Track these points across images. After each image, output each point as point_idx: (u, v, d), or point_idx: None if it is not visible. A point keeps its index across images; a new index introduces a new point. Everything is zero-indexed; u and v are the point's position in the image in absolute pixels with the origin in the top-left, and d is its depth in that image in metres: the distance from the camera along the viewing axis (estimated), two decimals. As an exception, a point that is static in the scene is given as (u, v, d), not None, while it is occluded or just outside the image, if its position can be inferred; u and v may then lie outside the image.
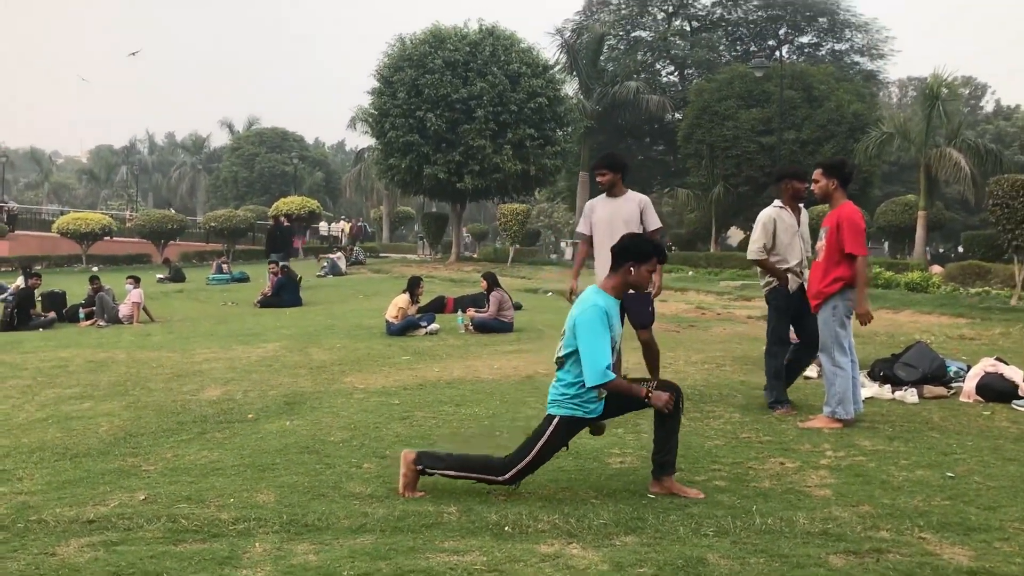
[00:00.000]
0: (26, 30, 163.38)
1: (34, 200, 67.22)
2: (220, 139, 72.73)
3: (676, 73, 44.92)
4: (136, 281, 15.75)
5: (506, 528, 3.91)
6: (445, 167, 27.60)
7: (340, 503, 4.36)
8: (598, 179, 6.91)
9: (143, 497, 4.54)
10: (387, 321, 11.95)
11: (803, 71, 34.19)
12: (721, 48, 44.56)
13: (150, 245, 34.92)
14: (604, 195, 6.94)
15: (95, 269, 27.73)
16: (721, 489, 4.56)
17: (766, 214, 6.63)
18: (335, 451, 5.49)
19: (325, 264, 26.48)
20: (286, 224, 24.82)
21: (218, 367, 9.32)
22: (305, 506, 4.30)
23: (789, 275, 6.56)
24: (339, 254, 27.94)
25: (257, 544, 3.74)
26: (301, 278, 18.95)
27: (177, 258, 31.39)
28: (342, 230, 42.50)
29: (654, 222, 6.81)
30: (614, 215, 6.77)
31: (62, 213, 38.68)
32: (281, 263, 19.06)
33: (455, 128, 27.38)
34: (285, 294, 17.60)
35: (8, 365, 9.95)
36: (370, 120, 30.05)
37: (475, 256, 35.86)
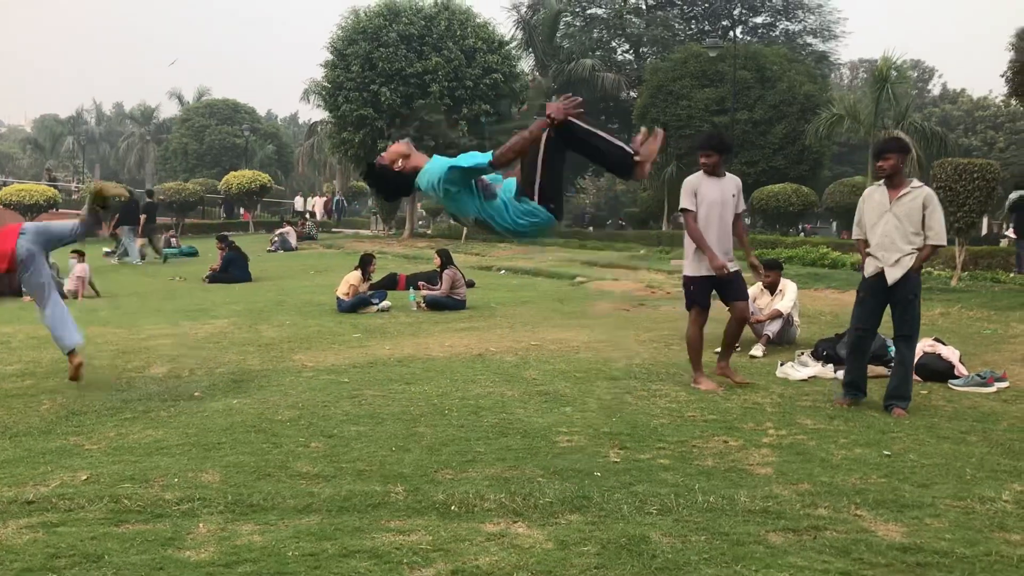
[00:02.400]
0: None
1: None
2: (170, 110, 71.24)
3: (631, 51, 45.00)
4: (81, 255, 15.40)
5: (452, 507, 3.94)
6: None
7: (286, 483, 4.34)
8: (703, 159, 6.93)
9: (85, 477, 4.47)
10: (338, 298, 11.86)
11: (756, 52, 34.46)
12: (676, 27, 44.73)
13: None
14: (702, 174, 6.92)
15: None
16: (665, 467, 4.63)
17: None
18: (282, 430, 5.45)
19: (275, 239, 26.16)
20: (148, 201, 24.95)
21: (165, 344, 9.19)
22: (251, 486, 4.28)
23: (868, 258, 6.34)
24: (289, 228, 27.59)
25: (201, 525, 3.72)
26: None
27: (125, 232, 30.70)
28: (314, 204, 41.54)
29: (742, 204, 6.99)
30: (724, 194, 6.84)
31: (4, 184, 37.63)
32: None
33: (410, 103, 27.17)
34: (234, 269, 17.35)
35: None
36: (323, 93, 29.68)
37: (429, 232, 35.69)
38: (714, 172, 6.93)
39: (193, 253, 24.73)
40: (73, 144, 74.91)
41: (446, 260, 12.08)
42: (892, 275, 6.11)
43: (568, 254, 22.71)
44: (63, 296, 14.69)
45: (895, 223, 6.12)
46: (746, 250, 7.23)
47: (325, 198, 42.71)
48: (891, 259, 6.11)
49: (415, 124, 27.07)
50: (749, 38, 42.78)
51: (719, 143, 7.04)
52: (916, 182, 6.21)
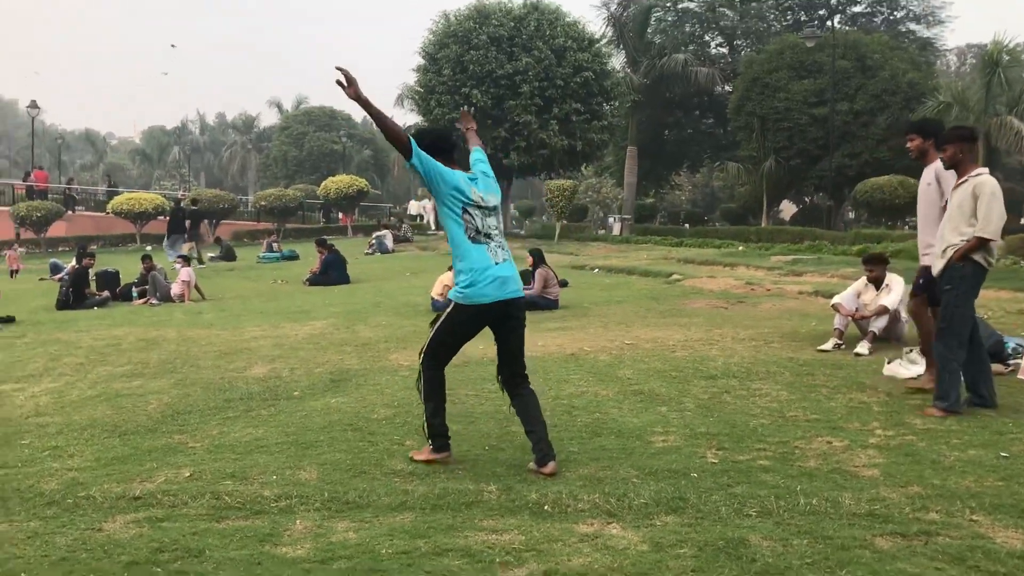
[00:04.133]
0: (74, 13, 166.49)
1: (89, 181, 68.56)
2: (269, 119, 73.49)
3: (725, 44, 44.12)
4: (186, 260, 16.01)
5: (545, 507, 3.89)
6: (491, 143, 27.52)
7: (381, 480, 4.38)
8: (907, 144, 6.44)
9: (188, 474, 4.61)
10: (432, 299, 11.97)
11: (856, 40, 33.35)
12: (771, 18, 43.64)
13: (203, 225, 35.42)
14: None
15: (148, 248, 28.25)
16: (765, 469, 4.48)
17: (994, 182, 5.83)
18: (378, 428, 5.51)
19: (373, 242, 26.64)
20: (193, 208, 25.95)
21: (266, 344, 9.43)
22: (347, 483, 4.32)
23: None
24: (386, 231, 28.06)
25: (298, 521, 3.77)
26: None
27: (229, 237, 31.83)
28: (424, 207, 41.15)
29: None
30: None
31: (115, 193, 39.48)
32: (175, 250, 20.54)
33: (500, 104, 27.29)
34: (333, 272, 17.74)
35: (63, 343, 10.17)
36: (416, 97, 30.11)
37: (521, 233, 35.79)
38: (926, 159, 6.32)
39: (294, 257, 25.42)
40: (179, 154, 78.11)
41: (538, 259, 12.05)
42: (936, 267, 5.83)
43: (663, 251, 22.43)
44: (169, 299, 15.34)
45: (948, 214, 5.81)
46: None
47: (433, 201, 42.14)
48: (939, 250, 5.80)
49: (506, 125, 27.21)
50: (848, 27, 41.39)
51: (920, 126, 6.50)
52: (980, 170, 5.78)
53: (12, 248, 25.83)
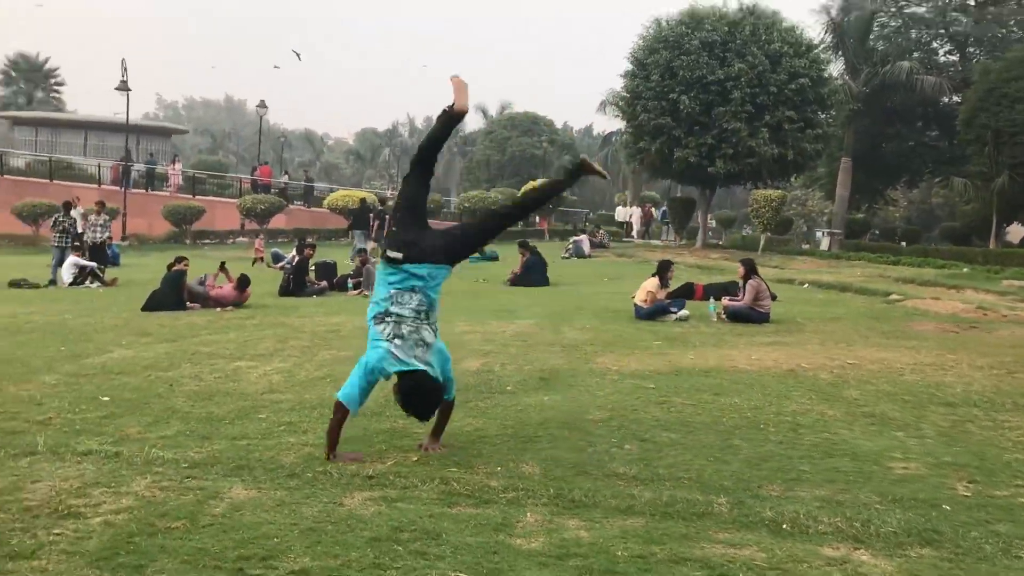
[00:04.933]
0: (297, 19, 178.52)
1: (303, 177, 73.31)
2: (474, 124, 75.73)
3: (955, 52, 41.05)
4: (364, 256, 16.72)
5: (784, 526, 3.68)
6: (697, 150, 26.97)
7: (604, 482, 4.31)
8: None
9: (415, 458, 4.73)
10: (636, 305, 11.82)
11: (1114, 46, 30.08)
12: (1011, 23, 40.19)
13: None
14: None
15: (362, 244, 29.78)
16: (1030, 508, 4.04)
17: None
18: (595, 429, 5.46)
19: (570, 246, 26.80)
20: (380, 208, 26.83)
21: (475, 339, 9.62)
22: (570, 481, 4.29)
23: None
24: (583, 237, 28.15)
25: (528, 514, 3.77)
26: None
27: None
28: (630, 215, 40.75)
29: None
30: None
31: (311, 187, 42.28)
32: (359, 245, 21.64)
33: (709, 110, 26.67)
34: (534, 274, 17.96)
35: (288, 327, 10.84)
36: (621, 103, 29.97)
37: (721, 243, 34.88)
38: None
39: (495, 257, 26.00)
40: (389, 155, 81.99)
41: (750, 269, 11.62)
42: None
43: (877, 269, 21.14)
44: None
45: None
46: None
47: (645, 207, 39.82)
48: None
49: (713, 132, 26.58)
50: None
51: None
52: None
53: (259, 237, 28.07)
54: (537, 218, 40.30)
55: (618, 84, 30.45)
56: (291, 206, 38.94)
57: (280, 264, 20.54)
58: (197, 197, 37.62)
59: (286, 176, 46.21)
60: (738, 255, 25.76)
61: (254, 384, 7.16)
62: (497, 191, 40.17)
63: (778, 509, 3.89)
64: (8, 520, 3.62)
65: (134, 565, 3.18)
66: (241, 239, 33.72)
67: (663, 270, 12.01)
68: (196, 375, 7.40)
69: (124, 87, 34.55)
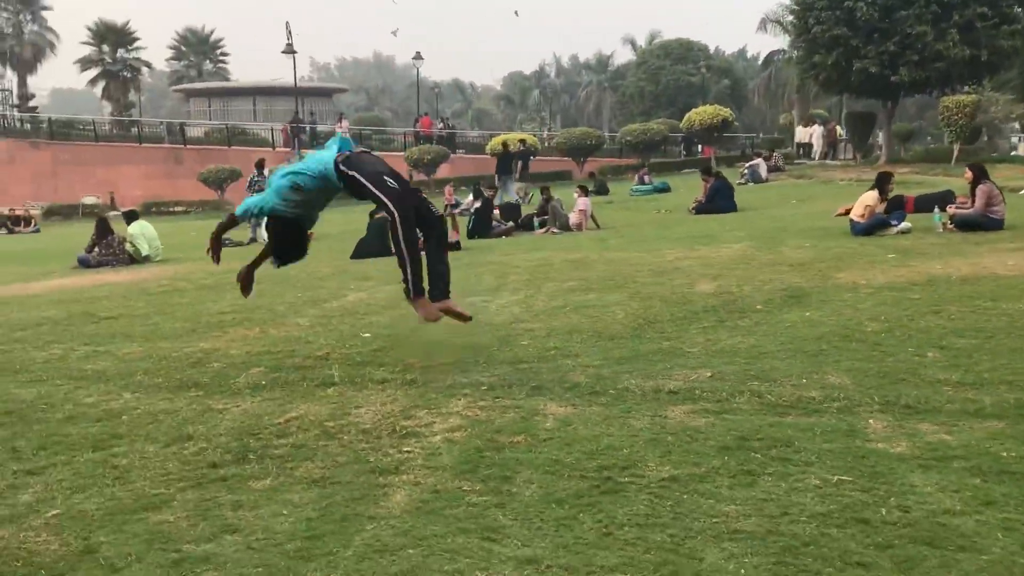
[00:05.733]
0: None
1: (459, 126, 74.18)
2: (623, 56, 74.16)
3: None
4: (584, 191, 16.59)
5: None
6: (877, 60, 25.33)
7: (930, 388, 4.07)
8: None
9: (709, 374, 4.62)
10: (852, 220, 11.23)
11: None
12: None
13: (570, 162, 36.79)
14: None
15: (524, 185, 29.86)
16: None
17: None
18: (880, 340, 5.18)
19: (746, 171, 25.91)
20: (512, 151, 27.31)
21: (694, 265, 9.39)
22: (891, 389, 4.08)
23: None
24: (759, 160, 27.11)
25: (871, 421, 3.59)
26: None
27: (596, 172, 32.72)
28: (811, 135, 36.47)
29: None
30: None
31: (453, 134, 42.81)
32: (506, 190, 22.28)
33: (889, 16, 24.93)
34: (720, 200, 17.43)
35: (499, 264, 10.94)
36: (790, 17, 28.47)
37: (903, 157, 32.83)
38: None
39: (666, 189, 25.52)
40: (538, 97, 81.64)
41: (980, 173, 10.81)
42: None
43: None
44: (568, 228, 16.02)
45: None
46: None
47: (829, 125, 36.65)
48: None
49: (895, 39, 24.82)
50: None
51: None
52: None
53: (450, 184, 28.86)
54: (700, 146, 39.22)
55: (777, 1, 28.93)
56: (453, 155, 39.52)
57: (459, 209, 20.87)
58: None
59: (440, 124, 46.74)
60: (928, 168, 24.15)
61: (497, 315, 7.22)
62: (657, 122, 39.31)
63: None
64: (355, 441, 3.77)
65: (501, 476, 3.23)
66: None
67: (882, 182, 11.34)
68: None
69: (290, 50, 35.86)
